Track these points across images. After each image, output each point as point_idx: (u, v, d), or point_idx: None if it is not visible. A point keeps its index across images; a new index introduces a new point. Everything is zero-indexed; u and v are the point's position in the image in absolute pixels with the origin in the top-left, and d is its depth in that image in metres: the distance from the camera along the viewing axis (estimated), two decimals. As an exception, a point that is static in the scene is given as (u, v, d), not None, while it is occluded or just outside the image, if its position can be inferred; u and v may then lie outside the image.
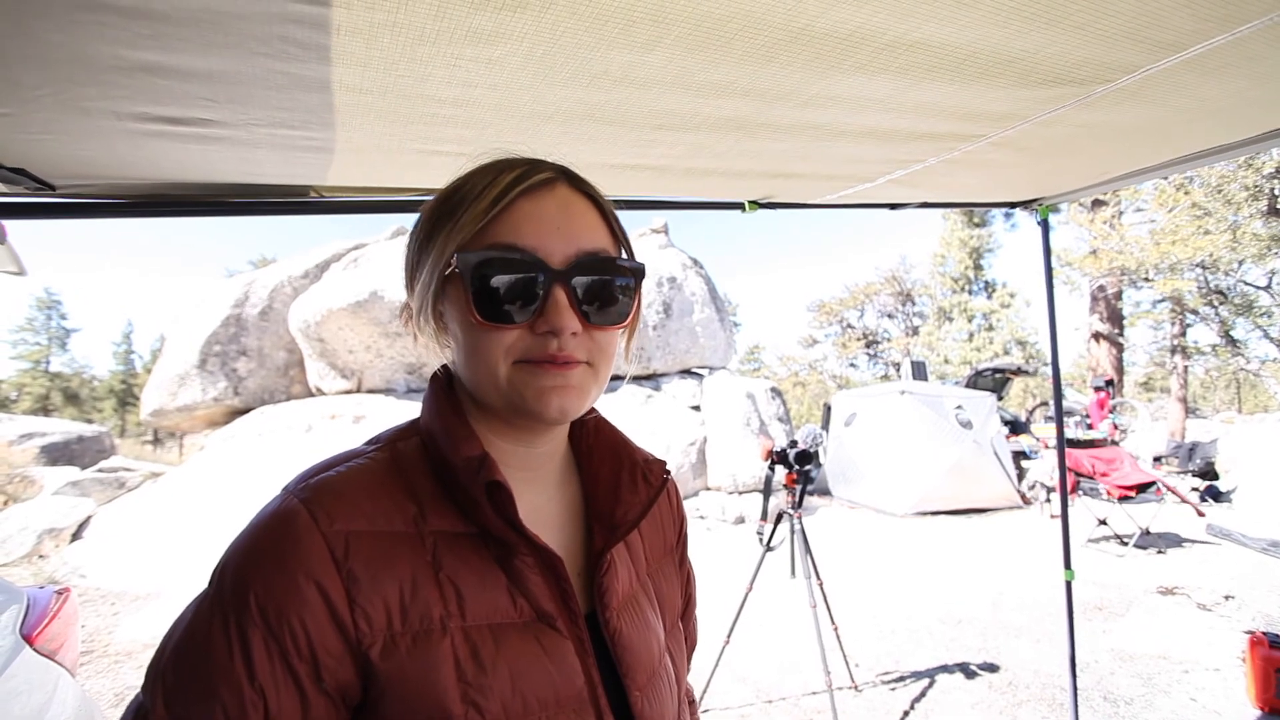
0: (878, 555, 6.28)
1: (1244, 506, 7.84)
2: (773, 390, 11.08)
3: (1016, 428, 10.53)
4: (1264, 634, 3.20)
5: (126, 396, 31.99)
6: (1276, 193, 8.25)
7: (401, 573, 0.53)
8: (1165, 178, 9.87)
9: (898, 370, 16.59)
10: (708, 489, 8.79)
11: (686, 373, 11.46)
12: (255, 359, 12.81)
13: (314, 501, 0.52)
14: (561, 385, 0.57)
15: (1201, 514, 6.14)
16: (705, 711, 3.27)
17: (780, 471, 3.17)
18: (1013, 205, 2.29)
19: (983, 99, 1.19)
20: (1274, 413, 10.54)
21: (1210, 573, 5.44)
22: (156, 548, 6.43)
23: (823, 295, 30.05)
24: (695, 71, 1.05)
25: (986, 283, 24.84)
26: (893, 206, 2.02)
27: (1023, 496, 8.53)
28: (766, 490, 3.18)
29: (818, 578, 3.27)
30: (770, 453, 3.13)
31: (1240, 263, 9.97)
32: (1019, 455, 9.63)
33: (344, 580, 0.50)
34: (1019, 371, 12.68)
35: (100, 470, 9.04)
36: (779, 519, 3.23)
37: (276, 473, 9.10)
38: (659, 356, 11.42)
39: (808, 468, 3.09)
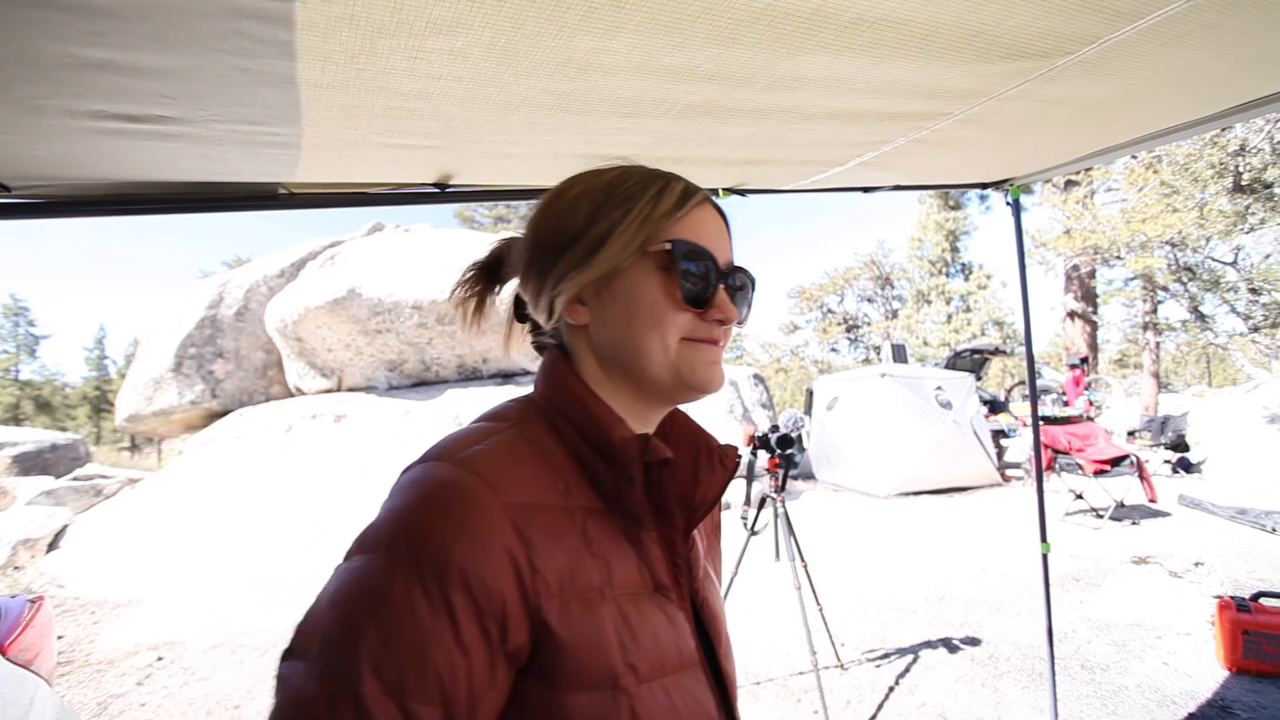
0: (862, 537, 6.37)
1: (1213, 477, 8.05)
2: (755, 377, 11.13)
3: (995, 407, 10.69)
4: (1231, 598, 3.30)
5: (101, 403, 31.39)
6: (1240, 170, 8.42)
7: (567, 543, 0.56)
8: (1134, 156, 10.03)
9: (878, 354, 16.77)
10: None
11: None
12: (232, 360, 12.63)
13: (484, 473, 0.55)
14: (718, 362, 0.66)
15: (1153, 499, 6.31)
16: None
17: (762, 456, 3.20)
18: (984, 186, 2.32)
19: (947, 75, 1.20)
20: (1242, 386, 10.80)
21: (1181, 541, 5.59)
22: (136, 555, 6.34)
23: (803, 282, 30.21)
24: (660, 56, 1.05)
25: (963, 265, 25.13)
26: (866, 190, 2.04)
27: (1002, 474, 8.68)
28: (749, 475, 3.21)
29: (802, 560, 3.31)
30: (752, 438, 3.16)
31: (1207, 239, 10.17)
32: (998, 434, 9.78)
33: (525, 547, 0.53)
34: (996, 352, 12.86)
35: (76, 478, 8.87)
36: (762, 503, 3.26)
37: (257, 475, 9.02)
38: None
39: (790, 452, 3.12)
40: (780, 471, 3.17)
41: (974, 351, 12.61)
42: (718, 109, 1.28)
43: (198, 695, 3.62)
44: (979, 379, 11.46)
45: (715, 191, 1.82)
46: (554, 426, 0.63)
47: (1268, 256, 10.84)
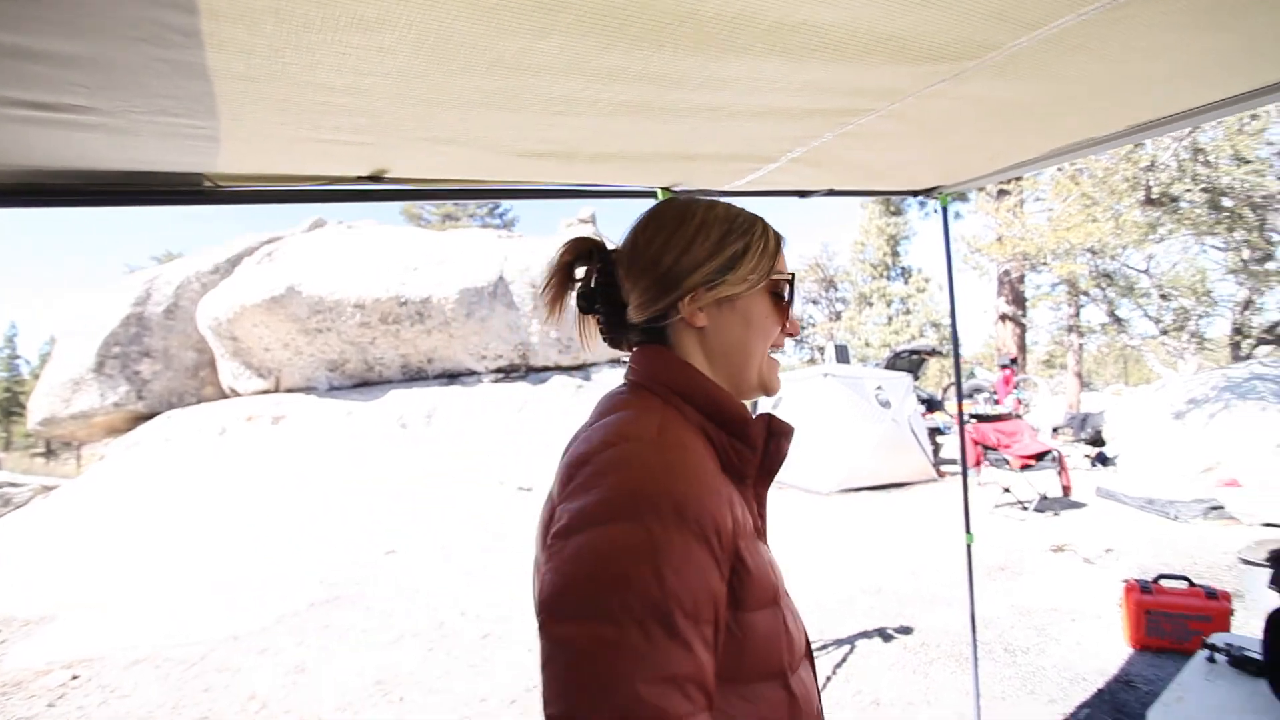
0: (804, 533, 6.54)
1: (1126, 469, 8.58)
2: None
3: (932, 405, 11.12)
4: (1136, 581, 3.53)
5: (11, 405, 29.39)
6: (1150, 184, 8.99)
7: (731, 499, 0.68)
8: (1060, 169, 10.59)
9: (822, 354, 17.22)
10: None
11: (617, 362, 11.53)
12: (160, 360, 12.04)
13: (688, 445, 0.69)
14: (778, 367, 0.85)
15: (1068, 492, 6.72)
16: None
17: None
18: (915, 194, 2.42)
19: (866, 76, 1.25)
20: (1153, 384, 11.54)
21: (1096, 530, 5.95)
22: (50, 568, 5.99)
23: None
24: (589, 57, 1.07)
25: (903, 269, 26.01)
26: (801, 194, 2.10)
27: (938, 470, 9.04)
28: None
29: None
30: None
31: (1123, 248, 10.82)
32: (934, 431, 10.18)
33: (726, 501, 0.66)
34: (933, 353, 13.38)
35: (-17, 486, 8.31)
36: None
37: (188, 479, 8.63)
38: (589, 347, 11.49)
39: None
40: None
41: (912, 352, 13.08)
42: (649, 107, 1.30)
43: (118, 714, 3.46)
44: (917, 379, 11.89)
45: (654, 192, 1.85)
46: (674, 407, 0.75)
47: (1175, 265, 11.62)
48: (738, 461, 0.75)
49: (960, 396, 2.95)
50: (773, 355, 0.83)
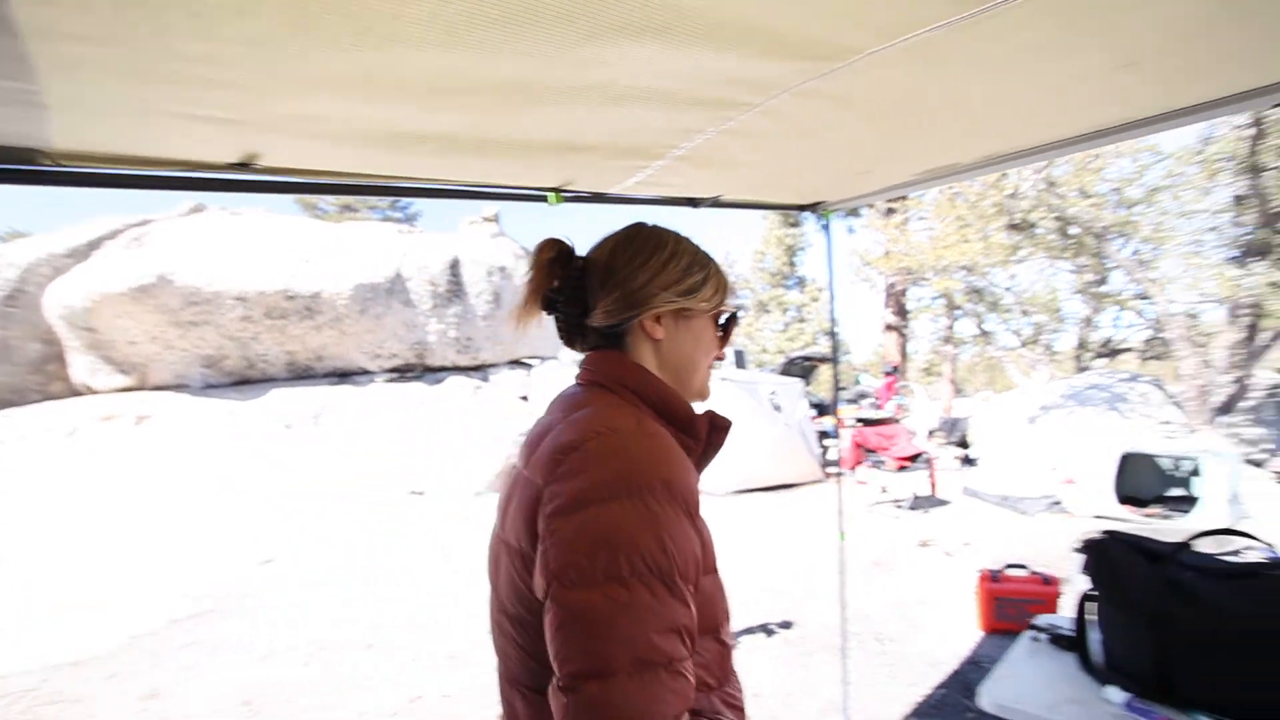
0: (699, 532, 6.70)
1: (987, 469, 9.39)
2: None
3: (822, 410, 11.71)
4: (988, 571, 3.89)
5: None
6: (1013, 211, 9.93)
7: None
8: (942, 191, 11.45)
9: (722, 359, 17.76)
10: (541, 479, 8.83)
11: (516, 363, 11.38)
12: (-2, 352, 10.69)
13: (656, 436, 0.79)
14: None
15: (934, 492, 7.31)
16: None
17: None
18: (801, 208, 2.55)
19: (741, 67, 1.25)
20: (1013, 392, 12.73)
21: (958, 526, 6.48)
22: None
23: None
24: (461, 29, 1.02)
25: (800, 278, 27.26)
26: (692, 202, 2.16)
27: (825, 471, 9.53)
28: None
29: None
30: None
31: (991, 267, 11.85)
32: (823, 434, 10.72)
33: (695, 480, 0.79)
34: (825, 359, 14.10)
35: None
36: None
37: (30, 486, 7.69)
38: (488, 347, 11.21)
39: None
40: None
41: (805, 359, 13.72)
42: (530, 89, 1.27)
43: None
44: (809, 384, 12.48)
45: (544, 196, 1.84)
46: (633, 404, 0.85)
47: (1033, 284, 12.86)
48: (684, 449, 0.85)
49: (836, 402, 3.14)
50: (712, 369, 0.98)
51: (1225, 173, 8.92)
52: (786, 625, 4.11)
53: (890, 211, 14.88)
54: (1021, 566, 3.86)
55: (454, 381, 11.12)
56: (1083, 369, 12.95)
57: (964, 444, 11.02)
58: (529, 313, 0.92)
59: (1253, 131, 8.19)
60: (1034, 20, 1.16)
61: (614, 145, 1.69)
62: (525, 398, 11.09)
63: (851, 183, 2.19)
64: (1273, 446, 9.89)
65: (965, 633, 3.86)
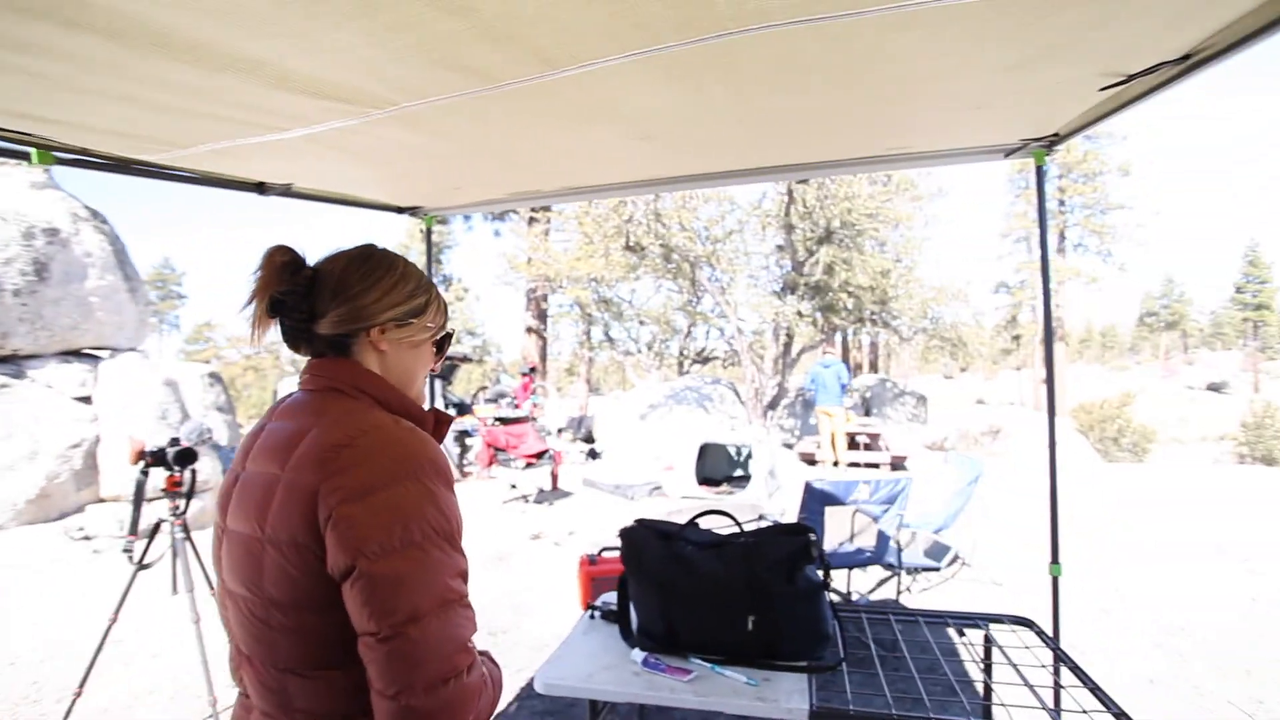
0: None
1: (608, 461, 10.62)
2: (211, 376, 9.54)
3: (462, 409, 11.75)
4: (587, 555, 4.37)
5: None
6: (629, 233, 11.43)
7: None
8: (579, 206, 12.48)
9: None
10: (100, 500, 7.02)
11: (73, 355, 8.88)
12: None
13: (411, 429, 0.94)
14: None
15: (555, 487, 8.05)
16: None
17: (158, 474, 2.72)
18: (399, 210, 2.50)
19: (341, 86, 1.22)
20: (631, 391, 14.64)
21: (570, 516, 7.16)
22: None
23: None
24: None
25: (445, 277, 26.89)
26: (260, 189, 1.94)
27: (463, 471, 9.58)
28: (138, 498, 2.68)
29: (210, 587, 2.96)
30: (141, 453, 2.65)
31: (615, 281, 13.42)
32: (463, 434, 10.77)
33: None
34: (465, 359, 14.18)
35: None
36: (156, 530, 2.78)
37: None
38: (23, 333, 8.50)
39: (194, 467, 2.74)
40: (182, 491, 2.76)
41: (446, 358, 13.57)
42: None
43: None
44: (449, 383, 12.41)
45: (26, 155, 1.42)
46: (369, 405, 0.96)
47: (648, 299, 14.98)
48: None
49: (445, 402, 3.16)
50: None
51: (772, 226, 11.63)
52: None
53: (533, 220, 15.74)
54: (616, 549, 4.42)
55: (-44, 378, 8.07)
56: (683, 373, 15.55)
57: (590, 439, 12.23)
58: (262, 320, 0.95)
59: (786, 198, 10.84)
60: (561, 98, 1.37)
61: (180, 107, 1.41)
62: (88, 399, 8.64)
63: (449, 195, 2.24)
64: (799, 433, 13.30)
65: (569, 615, 4.27)
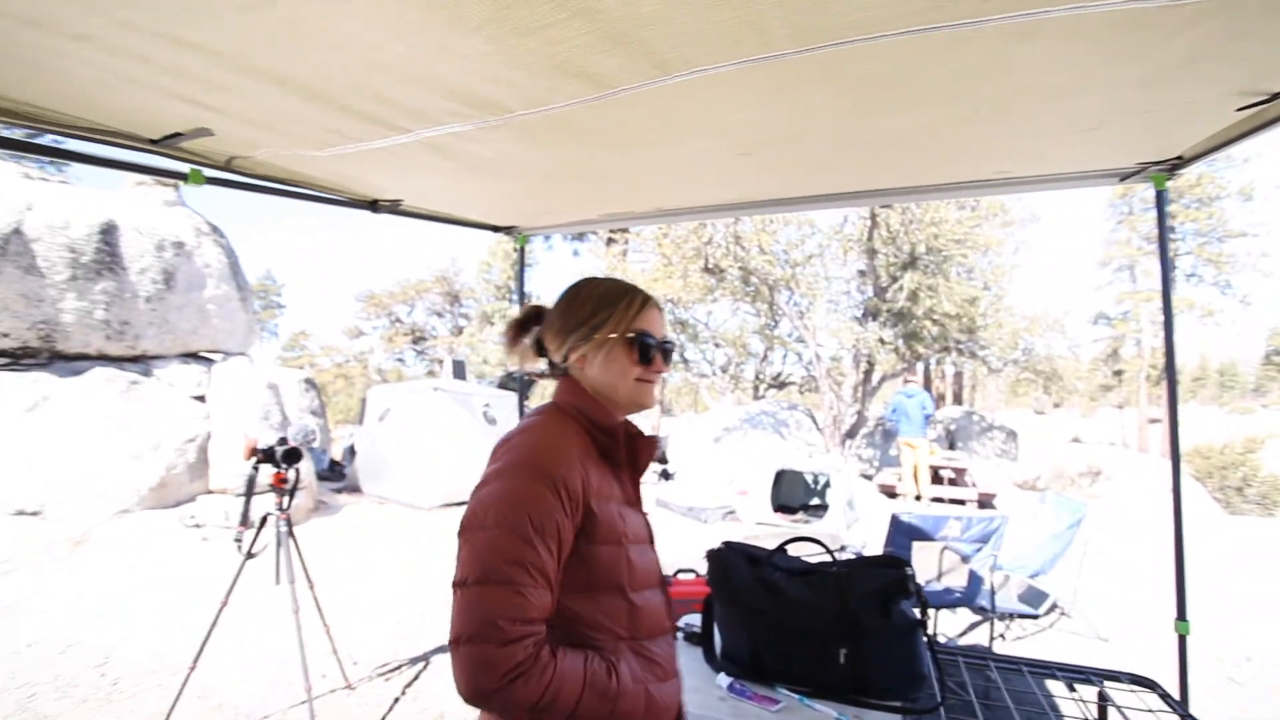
0: (399, 549, 6.35)
1: (681, 482, 10.55)
2: (307, 381, 10.15)
3: (538, 424, 11.97)
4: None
5: None
6: (709, 255, 11.44)
7: (595, 472, 1.09)
8: (657, 228, 12.64)
9: (441, 367, 17.20)
10: (209, 492, 7.54)
11: (191, 357, 9.64)
12: None
13: (553, 438, 1.08)
14: (653, 392, 1.21)
15: None
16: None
17: (266, 470, 2.91)
18: (495, 229, 2.60)
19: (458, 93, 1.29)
20: (704, 414, 14.55)
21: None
22: None
23: (373, 287, 28.89)
24: None
25: (524, 294, 27.59)
26: (373, 206, 2.06)
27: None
28: (249, 492, 2.88)
29: (308, 581, 3.12)
30: (253, 450, 2.84)
31: (692, 303, 13.43)
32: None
33: (583, 469, 1.05)
34: (543, 375, 14.50)
35: None
36: (263, 522, 2.96)
37: None
38: (151, 335, 9.29)
39: (298, 465, 2.91)
40: (286, 487, 2.93)
41: (525, 373, 13.93)
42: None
43: None
44: (526, 399, 12.71)
45: (184, 175, 1.58)
46: (572, 417, 1.14)
47: (725, 321, 14.89)
48: (611, 451, 1.14)
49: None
50: (645, 382, 1.18)
51: (854, 251, 11.36)
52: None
53: (611, 241, 16.01)
54: (691, 570, 4.37)
55: (98, 375, 8.91)
56: (758, 397, 15.33)
57: (663, 460, 12.21)
58: (524, 355, 1.24)
59: (869, 222, 10.57)
60: (669, 107, 1.39)
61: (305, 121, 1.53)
62: (202, 398, 9.38)
63: (544, 215, 2.32)
64: (878, 464, 12.82)
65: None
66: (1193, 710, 1.79)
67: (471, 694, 0.92)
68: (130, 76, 1.24)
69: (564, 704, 0.94)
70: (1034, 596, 4.40)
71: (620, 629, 1.07)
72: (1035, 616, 4.25)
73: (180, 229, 10.59)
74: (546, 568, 0.97)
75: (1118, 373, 30.84)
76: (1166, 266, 2.35)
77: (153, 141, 1.54)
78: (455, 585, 0.96)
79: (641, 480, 1.25)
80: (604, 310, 1.18)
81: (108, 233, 9.84)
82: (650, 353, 1.18)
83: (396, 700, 3.38)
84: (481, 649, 0.91)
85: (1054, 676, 1.88)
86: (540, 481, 0.99)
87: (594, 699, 0.98)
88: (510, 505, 0.97)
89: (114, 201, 10.44)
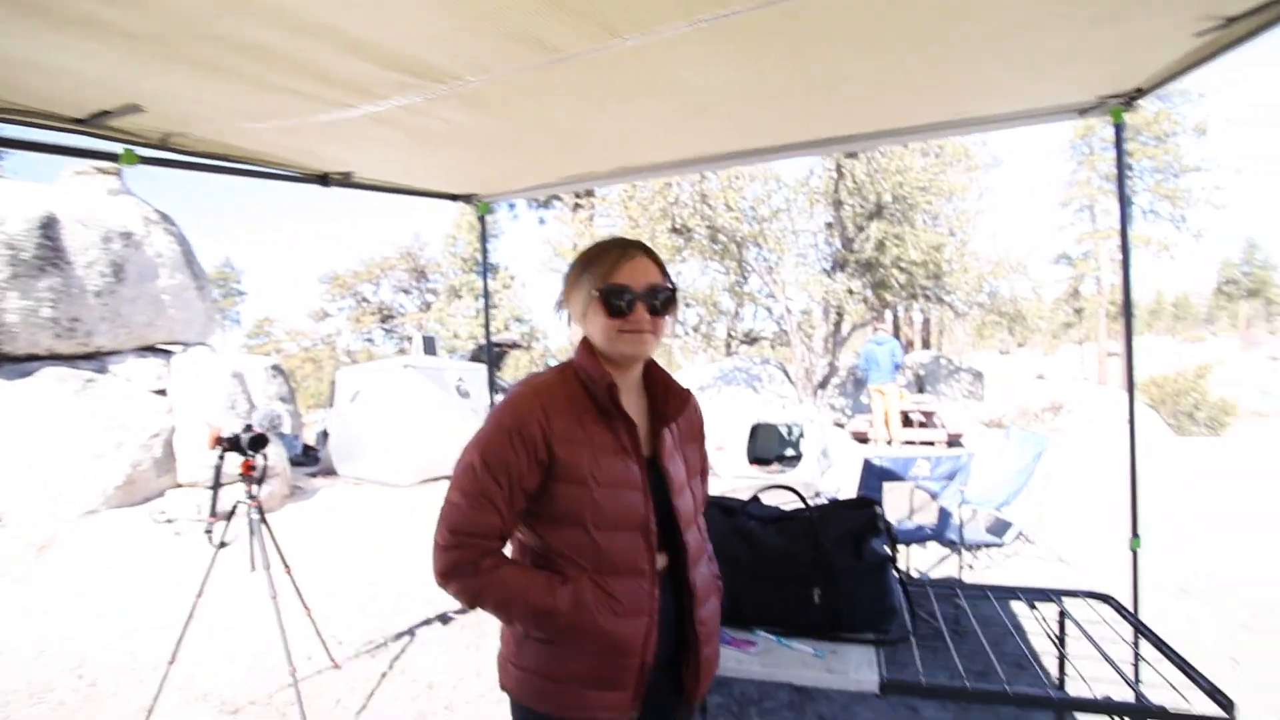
0: (377, 527, 6.34)
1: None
2: (274, 368, 9.94)
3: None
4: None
5: None
6: (675, 216, 11.36)
7: (566, 419, 1.19)
8: (622, 190, 12.49)
9: (411, 344, 16.99)
10: (179, 486, 7.41)
11: (149, 350, 9.36)
12: None
13: (532, 385, 1.25)
14: (642, 341, 1.23)
15: None
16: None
17: (234, 459, 2.86)
18: (454, 198, 2.54)
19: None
20: (678, 372, 14.64)
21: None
22: None
23: (337, 267, 28.15)
24: None
25: (492, 265, 27.25)
26: (324, 180, 2.00)
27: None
28: (216, 482, 2.83)
29: (285, 565, 3.11)
30: (218, 439, 2.79)
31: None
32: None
33: (545, 418, 1.18)
34: (514, 345, 14.42)
35: None
36: (233, 512, 2.93)
37: None
38: (104, 330, 8.99)
39: (266, 451, 2.87)
40: (255, 475, 2.89)
41: (496, 345, 13.86)
42: None
43: None
44: (499, 370, 12.64)
45: (115, 156, 1.50)
46: (574, 371, 1.26)
47: (694, 281, 14.88)
48: (602, 401, 1.21)
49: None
50: (626, 333, 1.20)
51: (820, 203, 11.37)
52: (464, 611, 4.12)
53: (577, 207, 15.80)
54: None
55: (49, 375, 8.61)
56: (731, 354, 15.44)
57: (637, 421, 12.29)
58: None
59: (835, 174, 10.57)
60: (623, 70, 1.36)
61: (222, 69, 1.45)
62: (163, 392, 9.13)
63: (502, 180, 2.27)
64: (851, 412, 13.08)
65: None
66: (1146, 619, 1.89)
67: (435, 580, 1.19)
68: (49, 53, 1.16)
69: (497, 603, 1.17)
70: (999, 527, 4.58)
71: (584, 561, 1.18)
72: (1001, 545, 4.43)
73: (127, 219, 10.15)
74: (494, 496, 1.15)
75: (1078, 310, 31.69)
76: (1125, 201, 2.40)
77: (79, 121, 1.47)
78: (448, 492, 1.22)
79: (666, 431, 1.32)
80: (581, 270, 1.27)
81: (48, 226, 9.38)
82: (617, 306, 1.21)
83: (384, 675, 3.41)
84: (434, 549, 1.19)
85: (1017, 598, 1.97)
86: (496, 428, 1.18)
87: (528, 610, 1.16)
88: (471, 445, 1.19)
89: (53, 193, 9.95)
